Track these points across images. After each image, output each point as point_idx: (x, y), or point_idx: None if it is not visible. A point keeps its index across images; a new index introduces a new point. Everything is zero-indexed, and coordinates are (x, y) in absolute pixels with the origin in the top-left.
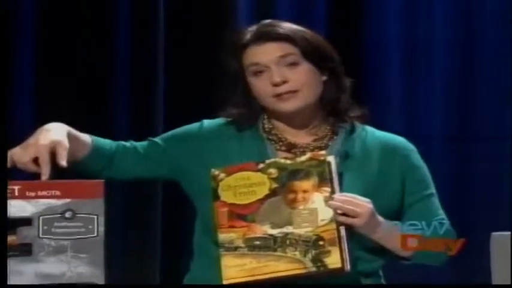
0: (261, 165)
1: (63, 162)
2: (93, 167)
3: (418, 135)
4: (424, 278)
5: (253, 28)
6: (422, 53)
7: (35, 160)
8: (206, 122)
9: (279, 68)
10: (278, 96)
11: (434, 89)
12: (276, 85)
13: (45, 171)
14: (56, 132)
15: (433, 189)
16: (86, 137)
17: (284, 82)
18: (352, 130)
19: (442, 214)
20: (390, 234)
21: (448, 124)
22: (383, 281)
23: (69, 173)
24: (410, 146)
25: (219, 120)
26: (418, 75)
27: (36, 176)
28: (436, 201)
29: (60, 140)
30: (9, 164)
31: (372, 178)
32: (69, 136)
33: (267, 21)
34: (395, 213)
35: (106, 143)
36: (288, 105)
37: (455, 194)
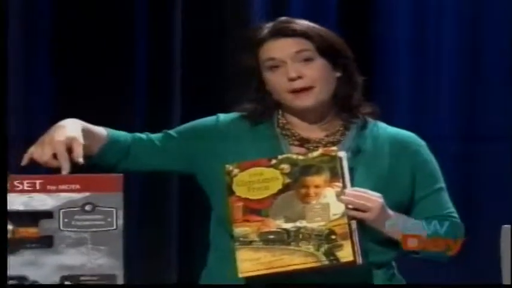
0: (274, 161)
1: (80, 159)
2: (109, 159)
3: (426, 134)
4: (432, 276)
5: (270, 24)
6: (431, 53)
7: (54, 156)
8: (222, 116)
9: (295, 64)
10: (293, 91)
11: (443, 88)
12: (291, 80)
13: (65, 166)
14: (70, 129)
15: (442, 184)
16: (101, 130)
17: (299, 77)
18: (364, 126)
19: (451, 207)
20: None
21: (456, 124)
22: (396, 272)
23: (86, 167)
24: (421, 141)
25: (234, 115)
26: (426, 74)
27: (55, 170)
28: (445, 195)
29: (75, 136)
30: (26, 162)
31: (383, 173)
32: (84, 131)
33: (284, 18)
34: (406, 207)
35: (121, 135)
36: (303, 102)
37: (463, 194)
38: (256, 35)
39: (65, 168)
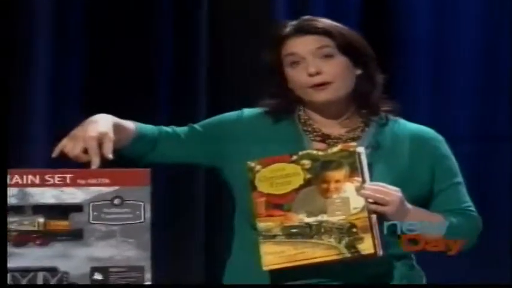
0: (295, 157)
1: (110, 155)
2: (136, 152)
3: (444, 133)
4: (450, 267)
5: (293, 22)
6: (451, 52)
7: (85, 151)
8: (246, 111)
9: (315, 59)
10: (312, 86)
11: (462, 87)
12: (310, 75)
13: (95, 161)
14: (102, 124)
15: (460, 178)
16: (130, 124)
17: (318, 73)
18: (384, 123)
19: (469, 201)
20: (419, 220)
21: (475, 123)
22: (415, 264)
23: (113, 160)
24: (439, 137)
25: (258, 110)
26: (445, 74)
27: (83, 165)
28: (463, 189)
29: (107, 132)
30: (57, 154)
31: (402, 168)
32: (114, 126)
33: (307, 16)
34: (425, 201)
35: (148, 128)
36: (321, 96)
37: (479, 193)
38: (279, 32)
39: (95, 163)
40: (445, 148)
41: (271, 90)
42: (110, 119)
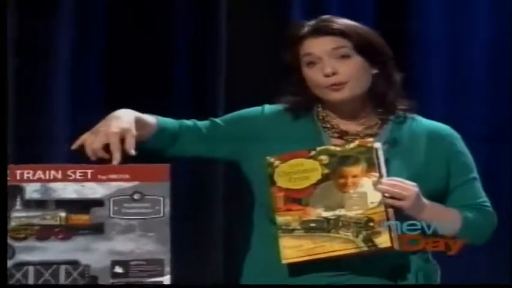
0: (313, 153)
1: (132, 151)
2: (157, 146)
3: (460, 131)
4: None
5: (311, 22)
6: (465, 51)
7: (105, 147)
8: (267, 107)
9: (331, 60)
10: (328, 86)
11: (477, 86)
12: (327, 75)
13: (116, 157)
14: (125, 120)
15: (476, 174)
16: (151, 118)
17: (334, 73)
18: (401, 119)
19: (484, 197)
20: (435, 215)
21: (491, 122)
22: (430, 257)
23: (135, 154)
24: (456, 134)
25: (278, 107)
26: (460, 73)
27: (100, 161)
28: (478, 185)
29: (129, 127)
30: (76, 147)
31: (419, 164)
32: (137, 121)
33: (325, 16)
34: (441, 197)
35: (170, 122)
36: (337, 95)
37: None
38: (297, 32)
39: (116, 159)
40: (461, 145)
41: (290, 89)
42: (132, 114)
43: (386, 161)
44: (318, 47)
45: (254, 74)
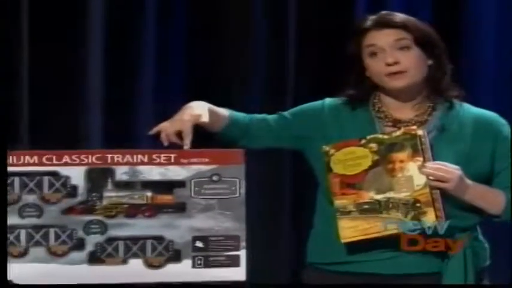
0: (363, 141)
1: (187, 141)
2: (230, 137)
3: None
4: None
5: (373, 16)
6: None
7: (178, 133)
8: (327, 101)
9: (393, 51)
10: (389, 74)
11: None
12: (388, 65)
13: (187, 142)
14: (197, 109)
15: None
16: (224, 111)
17: (395, 63)
18: (450, 107)
19: None
20: (479, 195)
21: None
22: (479, 236)
23: (212, 142)
24: (503, 120)
25: (338, 100)
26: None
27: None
28: None
29: (202, 113)
30: (153, 132)
31: (465, 149)
32: (210, 111)
33: (386, 11)
34: (486, 179)
35: (241, 116)
36: (398, 83)
37: None
38: (361, 25)
39: (186, 144)
40: (508, 130)
41: (350, 78)
42: (205, 105)
43: (435, 146)
44: (380, 39)
45: (321, 69)
